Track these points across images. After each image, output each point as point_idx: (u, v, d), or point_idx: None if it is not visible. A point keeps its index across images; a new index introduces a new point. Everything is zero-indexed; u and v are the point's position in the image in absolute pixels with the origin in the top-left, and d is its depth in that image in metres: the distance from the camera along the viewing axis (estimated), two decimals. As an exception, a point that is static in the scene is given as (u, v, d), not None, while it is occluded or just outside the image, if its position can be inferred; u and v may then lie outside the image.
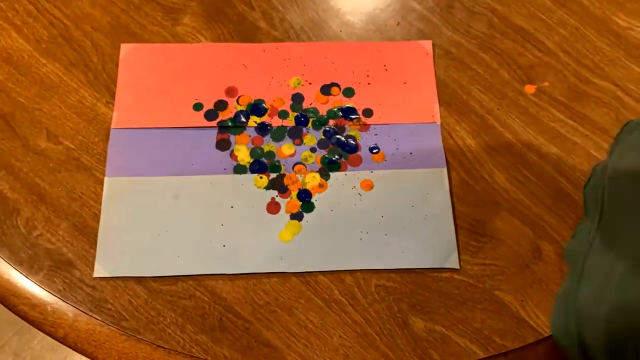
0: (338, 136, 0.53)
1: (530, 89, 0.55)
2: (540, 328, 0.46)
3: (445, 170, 0.51)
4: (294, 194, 0.50)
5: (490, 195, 0.51)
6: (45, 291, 0.47)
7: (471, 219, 0.50)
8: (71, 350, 0.46)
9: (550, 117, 0.54)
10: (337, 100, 0.54)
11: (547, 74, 0.56)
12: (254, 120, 0.53)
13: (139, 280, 0.47)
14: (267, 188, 0.50)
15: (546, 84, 0.56)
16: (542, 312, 0.47)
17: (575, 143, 0.53)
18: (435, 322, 0.46)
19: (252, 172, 0.51)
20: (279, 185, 0.51)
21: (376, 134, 0.53)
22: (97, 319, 0.46)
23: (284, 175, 0.51)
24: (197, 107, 0.53)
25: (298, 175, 0.51)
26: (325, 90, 0.55)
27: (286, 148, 0.52)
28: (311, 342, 0.45)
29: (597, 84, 0.56)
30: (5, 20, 0.56)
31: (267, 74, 0.55)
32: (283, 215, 0.49)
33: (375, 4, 0.59)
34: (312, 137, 0.53)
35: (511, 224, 0.50)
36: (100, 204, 0.49)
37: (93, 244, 0.48)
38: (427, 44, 0.57)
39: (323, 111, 0.54)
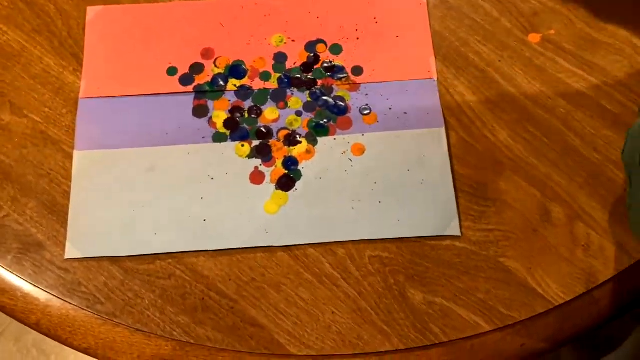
0: (325, 97, 0.48)
1: (534, 37, 0.51)
2: (550, 296, 0.43)
3: (443, 130, 0.47)
4: (279, 162, 0.46)
5: (492, 155, 0.47)
6: (14, 275, 0.43)
7: (472, 181, 0.46)
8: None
9: (557, 67, 0.50)
10: (324, 58, 0.50)
11: (552, 21, 0.51)
12: (233, 84, 0.49)
13: (114, 260, 0.44)
14: (249, 157, 0.46)
15: (552, 31, 0.51)
16: (552, 279, 0.43)
17: (585, 95, 0.49)
18: (435, 293, 0.43)
19: (233, 140, 0.47)
20: (262, 153, 0.47)
21: (367, 94, 0.49)
22: (71, 304, 0.43)
23: (268, 142, 0.47)
24: (171, 71, 0.49)
25: (282, 142, 0.47)
26: (311, 47, 0.50)
27: (269, 112, 0.48)
28: (301, 320, 0.42)
29: (608, 29, 0.51)
30: (-39, -14, 0.52)
31: (246, 32, 0.50)
32: (268, 186, 0.45)
33: (362, -48, 0.54)
34: (297, 99, 0.48)
35: (516, 185, 0.46)
36: (70, 180, 0.46)
37: (64, 223, 0.44)
38: (421, -7, 0.52)
39: (308, 71, 0.49)
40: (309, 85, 0.49)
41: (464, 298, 0.43)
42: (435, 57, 0.50)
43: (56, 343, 0.43)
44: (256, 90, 0.49)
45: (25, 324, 0.43)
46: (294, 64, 0.50)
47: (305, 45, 0.50)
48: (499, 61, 0.50)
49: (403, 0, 0.52)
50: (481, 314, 0.42)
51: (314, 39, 0.50)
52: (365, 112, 0.48)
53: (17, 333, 1.09)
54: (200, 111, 0.48)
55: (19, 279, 0.43)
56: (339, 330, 0.42)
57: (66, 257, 0.43)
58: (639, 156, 0.37)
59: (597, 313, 0.43)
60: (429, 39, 0.50)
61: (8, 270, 0.43)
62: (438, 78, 0.49)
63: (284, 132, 0.47)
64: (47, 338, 0.43)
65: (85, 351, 0.42)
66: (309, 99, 0.48)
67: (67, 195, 0.45)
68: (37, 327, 0.42)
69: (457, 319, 0.42)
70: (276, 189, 0.45)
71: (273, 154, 0.47)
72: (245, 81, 0.49)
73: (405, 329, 0.42)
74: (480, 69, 0.50)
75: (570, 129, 0.47)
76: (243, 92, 0.48)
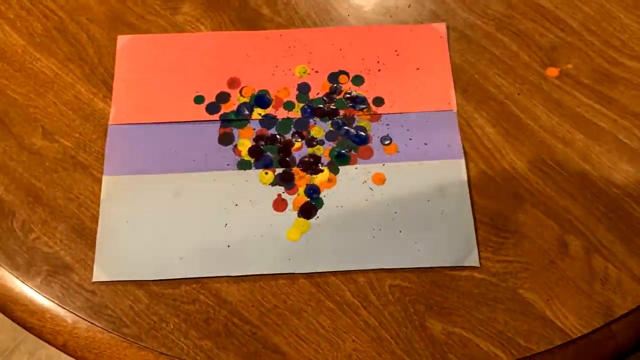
0: (347, 127, 0.50)
1: (552, 71, 0.52)
2: (568, 329, 0.43)
3: (462, 161, 0.48)
4: (302, 190, 0.47)
5: (511, 187, 0.48)
6: (43, 297, 0.44)
7: (491, 213, 0.47)
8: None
9: (575, 101, 0.51)
10: (346, 89, 0.51)
11: (570, 55, 0.52)
12: (258, 113, 0.50)
13: (140, 284, 0.45)
14: (272, 184, 0.48)
15: (570, 66, 0.52)
16: (569, 311, 0.44)
17: (603, 129, 0.49)
18: (454, 324, 0.43)
19: (257, 167, 0.48)
20: (285, 180, 0.48)
21: (388, 124, 0.50)
22: (98, 326, 0.44)
23: (291, 169, 0.48)
24: (199, 100, 0.51)
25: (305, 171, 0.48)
26: (333, 78, 0.51)
27: (292, 141, 0.49)
28: (322, 347, 0.43)
29: (626, 64, 0.52)
30: (-2, 14, 0.54)
31: (271, 63, 0.52)
32: (290, 213, 0.47)
33: (384, -14, 0.56)
34: (319, 128, 0.50)
35: (535, 218, 0.46)
36: (98, 205, 0.47)
37: (92, 246, 0.46)
38: (441, 27, 0.53)
39: (330, 101, 0.51)
40: (331, 115, 0.50)
41: (483, 329, 0.43)
42: (455, 90, 0.51)
43: (69, 358, 0.44)
44: (280, 120, 0.50)
45: (53, 345, 0.44)
46: (317, 94, 0.51)
47: (328, 76, 0.52)
48: (518, 94, 0.51)
49: (424, 33, 0.53)
50: (500, 345, 0.43)
51: (337, 70, 0.52)
52: (386, 142, 0.49)
53: (32, 347, 1.10)
54: (225, 139, 0.49)
55: (48, 300, 0.44)
56: (360, 359, 0.43)
57: (94, 280, 0.45)
58: None
59: (615, 346, 0.43)
60: (449, 72, 0.52)
61: (37, 292, 0.45)
62: (458, 110, 0.50)
63: (306, 161, 0.48)
64: (61, 353, 0.43)
65: (110, 373, 0.43)
66: (331, 129, 0.50)
67: (95, 219, 0.47)
68: (64, 348, 0.43)
69: (476, 350, 0.43)
70: (298, 216, 0.46)
71: (296, 182, 0.48)
72: (270, 110, 0.50)
73: (424, 359, 0.43)
74: (500, 102, 0.51)
75: (588, 162, 0.48)
76: (267, 121, 0.50)
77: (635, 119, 0.50)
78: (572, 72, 0.52)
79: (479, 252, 0.45)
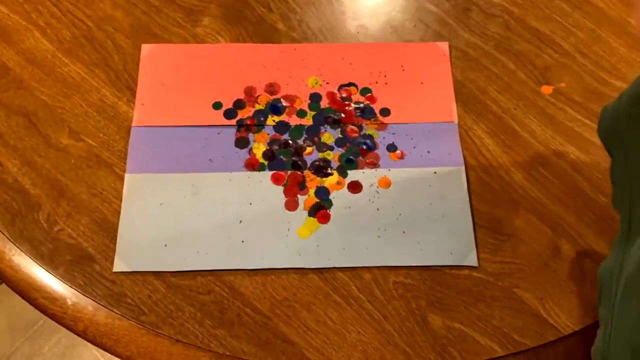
0: (355, 135, 0.53)
1: (547, 89, 0.56)
2: (559, 326, 0.46)
3: (463, 169, 0.51)
4: (312, 191, 0.50)
5: (508, 194, 0.51)
6: (65, 285, 0.47)
7: (489, 217, 0.50)
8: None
9: (567, 117, 0.54)
10: (355, 100, 0.55)
11: (563, 74, 0.56)
12: (272, 119, 0.54)
13: (157, 275, 0.47)
14: (285, 185, 0.51)
15: (563, 84, 0.56)
16: (561, 310, 0.47)
17: (592, 142, 0.53)
18: (453, 319, 0.46)
19: (271, 169, 0.51)
20: (297, 182, 0.51)
21: (394, 133, 0.53)
22: (117, 313, 0.46)
23: (302, 172, 0.51)
24: (217, 106, 0.54)
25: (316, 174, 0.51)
26: (343, 89, 0.55)
27: (304, 146, 0.52)
28: (329, 338, 0.45)
29: (614, 84, 0.56)
30: (30, 22, 0.57)
31: (285, 74, 0.56)
32: (301, 212, 0.50)
33: (391, 7, 0.60)
34: (329, 135, 0.53)
35: (529, 222, 0.50)
36: (120, 200, 0.50)
37: (113, 239, 0.48)
38: (444, 45, 0.57)
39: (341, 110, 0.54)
40: (340, 123, 0.54)
41: (480, 324, 0.46)
42: (457, 103, 0.55)
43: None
44: (293, 126, 0.53)
45: (73, 331, 0.46)
46: (328, 103, 0.54)
47: (338, 88, 0.55)
48: (515, 109, 0.55)
49: (428, 51, 0.57)
50: (496, 340, 0.46)
51: (346, 82, 0.55)
52: (392, 149, 0.53)
53: (28, 354, 1.10)
54: (241, 143, 0.52)
55: (70, 288, 0.47)
56: (364, 350, 0.45)
57: (114, 270, 0.47)
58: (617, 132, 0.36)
59: (604, 344, 0.46)
60: (450, 87, 0.55)
61: (60, 280, 0.47)
62: (459, 122, 0.54)
63: (317, 165, 0.52)
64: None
65: (128, 359, 0.45)
66: (340, 136, 0.53)
67: (117, 213, 0.49)
68: (84, 334, 0.46)
69: (474, 344, 0.45)
70: (309, 215, 0.49)
71: (307, 184, 0.51)
72: (283, 117, 0.54)
73: (425, 351, 0.45)
74: (498, 116, 0.54)
75: (579, 172, 0.52)
76: (281, 127, 0.53)
77: None
78: (565, 90, 0.56)
79: (477, 253, 0.48)
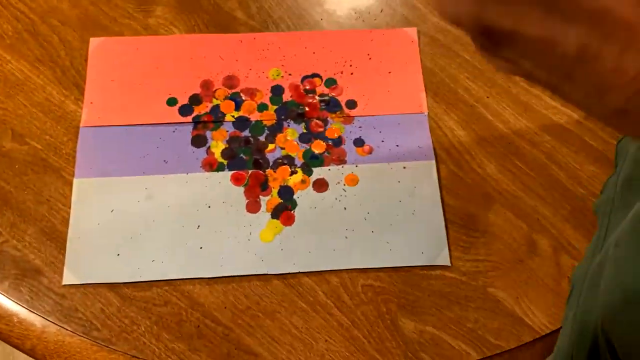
0: (321, 130, 0.50)
1: (520, 75, 0.53)
2: (536, 326, 0.44)
3: (433, 163, 0.49)
4: (275, 191, 0.48)
5: (481, 188, 0.48)
6: (11, 301, 0.44)
7: (462, 213, 0.47)
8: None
9: (543, 104, 0.52)
10: (319, 92, 0.52)
11: (538, 59, 0.54)
12: (231, 115, 0.50)
13: (111, 286, 0.44)
14: (246, 186, 0.48)
15: (537, 70, 0.53)
16: (538, 309, 0.44)
17: (569, 131, 0.51)
18: (426, 322, 0.44)
19: (230, 169, 0.48)
20: (259, 182, 0.48)
21: (360, 127, 0.50)
22: (67, 329, 0.43)
23: (264, 171, 0.48)
24: (171, 102, 0.51)
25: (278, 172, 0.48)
26: (306, 81, 0.52)
27: (266, 143, 0.49)
28: (295, 348, 0.43)
29: (591, 68, 0.53)
30: (-33, 16, 0.53)
31: (244, 65, 0.52)
32: (263, 214, 0.47)
33: (357, -9, 0.56)
34: (293, 130, 0.50)
35: (504, 217, 0.47)
36: (69, 207, 0.46)
37: (62, 249, 0.45)
38: (412, 31, 0.54)
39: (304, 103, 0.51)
40: (304, 117, 0.50)
41: (454, 327, 0.44)
42: (426, 93, 0.52)
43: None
44: (253, 122, 0.50)
45: (21, 350, 0.43)
46: (290, 96, 0.51)
47: (301, 79, 0.52)
48: (487, 97, 0.52)
49: (395, 38, 0.54)
50: (470, 343, 0.43)
51: (310, 73, 0.52)
52: (359, 144, 0.50)
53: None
54: (198, 141, 0.49)
55: (16, 304, 0.44)
56: (332, 358, 0.43)
57: (63, 283, 0.44)
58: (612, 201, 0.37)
59: (582, 343, 0.44)
60: (420, 75, 0.52)
61: (5, 296, 0.44)
62: (429, 113, 0.51)
63: (279, 162, 0.49)
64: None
65: (80, 378, 0.42)
66: (304, 131, 0.50)
67: (65, 222, 0.46)
68: (32, 352, 0.43)
69: (447, 348, 0.43)
70: (272, 217, 0.47)
71: (269, 184, 0.48)
72: (243, 112, 0.50)
73: (396, 357, 0.43)
74: (469, 105, 0.52)
75: (555, 163, 0.49)
76: (241, 123, 0.50)
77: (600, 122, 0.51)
78: (540, 76, 0.53)
79: (449, 251, 0.46)
